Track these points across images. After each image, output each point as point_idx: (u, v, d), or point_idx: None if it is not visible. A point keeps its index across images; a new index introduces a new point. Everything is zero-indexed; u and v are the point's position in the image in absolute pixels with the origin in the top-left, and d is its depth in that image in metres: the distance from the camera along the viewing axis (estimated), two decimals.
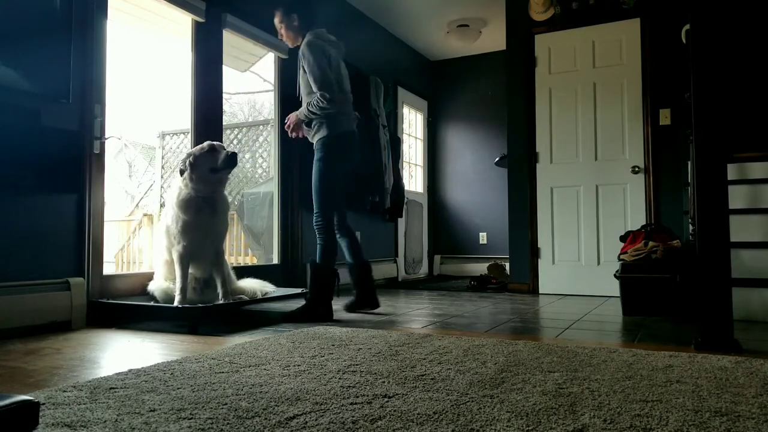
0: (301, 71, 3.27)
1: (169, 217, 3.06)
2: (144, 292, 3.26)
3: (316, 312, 3.17)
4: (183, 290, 2.97)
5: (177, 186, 3.09)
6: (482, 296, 4.50)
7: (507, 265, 5.14)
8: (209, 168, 2.99)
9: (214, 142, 3.08)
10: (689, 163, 3.78)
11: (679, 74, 4.22)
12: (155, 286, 3.15)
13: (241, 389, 1.61)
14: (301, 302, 3.62)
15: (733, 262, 2.50)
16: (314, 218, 3.26)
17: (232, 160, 3.01)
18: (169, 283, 3.10)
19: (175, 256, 3.00)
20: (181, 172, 3.03)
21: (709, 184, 2.30)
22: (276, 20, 3.40)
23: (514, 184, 4.90)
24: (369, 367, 1.89)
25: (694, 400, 1.50)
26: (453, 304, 4.03)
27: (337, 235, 3.35)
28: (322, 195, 3.23)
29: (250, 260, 6.17)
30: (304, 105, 3.26)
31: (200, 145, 3.07)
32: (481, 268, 5.99)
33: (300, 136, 3.40)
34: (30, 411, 1.06)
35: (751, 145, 3.42)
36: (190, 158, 3.01)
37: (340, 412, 1.40)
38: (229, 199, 3.31)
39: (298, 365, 1.92)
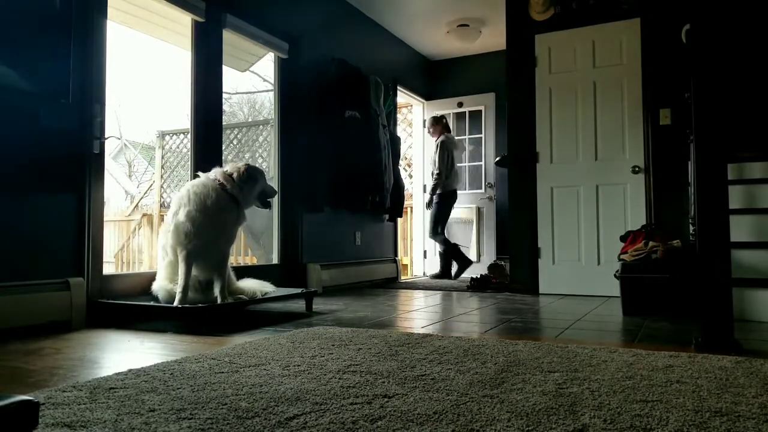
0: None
1: (183, 214, 3.00)
2: (144, 292, 3.26)
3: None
4: (185, 290, 2.96)
5: (206, 185, 3.06)
6: (482, 296, 4.50)
7: (507, 265, 5.14)
8: (260, 192, 3.26)
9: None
10: (689, 163, 3.78)
11: (679, 74, 4.21)
12: (158, 286, 3.14)
13: (241, 389, 1.61)
14: (301, 302, 3.64)
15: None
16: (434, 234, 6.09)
17: (274, 195, 3.45)
18: (173, 285, 3.09)
19: (182, 255, 2.98)
20: (240, 177, 3.11)
21: (709, 184, 2.30)
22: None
23: (514, 184, 4.90)
24: (369, 367, 1.89)
25: (695, 400, 1.50)
26: (453, 303, 4.03)
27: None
28: (438, 222, 6.05)
29: (250, 260, 6.17)
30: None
31: (258, 167, 3.29)
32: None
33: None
34: (30, 411, 1.06)
35: (745, 145, 3.42)
36: (249, 170, 3.16)
37: (340, 412, 1.40)
38: None
39: (298, 365, 1.92)
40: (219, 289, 3.10)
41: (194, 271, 3.08)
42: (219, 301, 3.08)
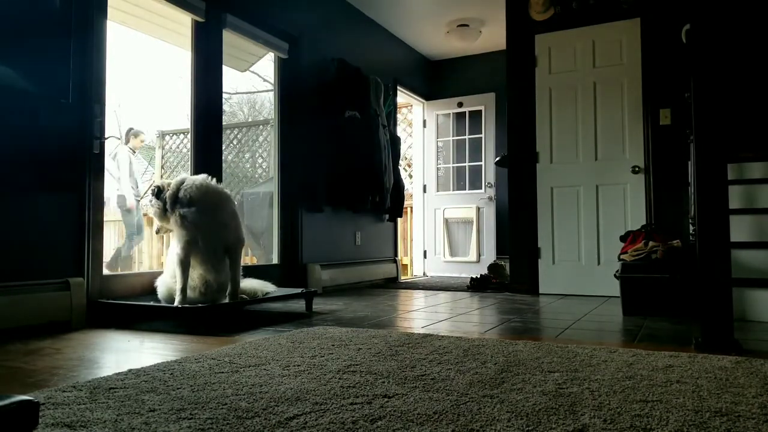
0: None
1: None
2: (143, 292, 3.27)
3: None
4: (183, 290, 2.97)
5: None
6: (482, 296, 4.50)
7: (507, 265, 5.15)
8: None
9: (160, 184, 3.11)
10: (689, 163, 3.78)
11: (679, 74, 4.21)
12: (161, 282, 3.15)
13: (241, 389, 1.61)
14: (301, 302, 3.64)
15: None
16: None
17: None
18: (174, 282, 3.09)
19: (176, 258, 3.00)
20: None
21: (709, 184, 2.30)
22: None
23: (514, 184, 4.90)
24: (369, 367, 1.89)
25: (695, 400, 1.50)
26: (453, 304, 4.03)
27: None
28: None
29: (250, 260, 6.17)
30: None
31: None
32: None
33: None
34: (30, 411, 1.06)
35: (745, 145, 3.42)
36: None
37: (340, 412, 1.40)
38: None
39: (298, 365, 1.92)
40: (230, 285, 3.12)
41: (201, 270, 3.09)
42: (227, 298, 3.10)
